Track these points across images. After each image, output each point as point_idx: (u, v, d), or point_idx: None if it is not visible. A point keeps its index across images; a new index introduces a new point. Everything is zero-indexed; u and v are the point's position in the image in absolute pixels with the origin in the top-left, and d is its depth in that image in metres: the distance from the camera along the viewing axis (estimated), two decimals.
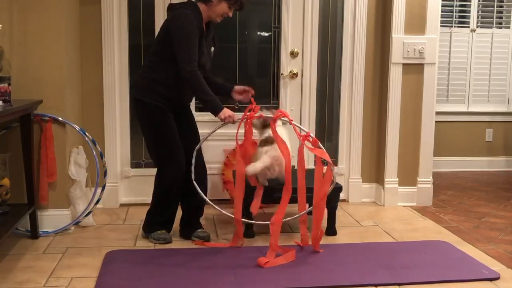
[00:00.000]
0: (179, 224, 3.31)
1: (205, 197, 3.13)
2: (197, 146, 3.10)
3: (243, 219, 3.07)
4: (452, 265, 2.87)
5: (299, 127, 3.02)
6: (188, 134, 3.20)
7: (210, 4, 3.02)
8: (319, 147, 2.97)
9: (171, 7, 3.11)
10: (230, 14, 3.09)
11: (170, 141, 3.07)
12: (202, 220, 3.33)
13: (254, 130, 3.11)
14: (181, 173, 3.11)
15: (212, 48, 3.20)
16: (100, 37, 3.77)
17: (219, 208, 3.11)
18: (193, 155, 3.07)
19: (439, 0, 3.98)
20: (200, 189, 3.10)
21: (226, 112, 2.97)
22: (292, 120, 3.01)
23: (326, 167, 2.97)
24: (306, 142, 2.98)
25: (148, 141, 3.19)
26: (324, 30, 4.09)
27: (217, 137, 3.76)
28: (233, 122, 2.98)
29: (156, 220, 3.20)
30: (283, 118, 3.04)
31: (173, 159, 3.07)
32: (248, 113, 2.99)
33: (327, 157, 2.95)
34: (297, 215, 3.03)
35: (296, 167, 4.13)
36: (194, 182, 3.07)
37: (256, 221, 3.15)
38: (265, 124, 3.13)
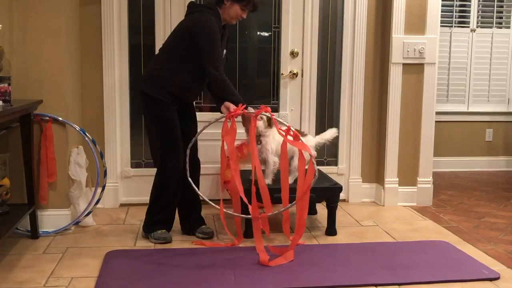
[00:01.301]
0: (179, 222, 3.33)
1: (194, 186, 3.15)
2: (189, 145, 3.12)
3: (226, 211, 3.10)
4: (452, 265, 2.87)
5: (280, 122, 3.02)
6: (189, 131, 3.23)
7: (223, 7, 3.07)
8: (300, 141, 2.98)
9: (193, 7, 3.15)
10: (244, 16, 3.13)
11: (172, 136, 3.11)
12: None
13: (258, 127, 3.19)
14: (180, 168, 3.14)
15: (224, 51, 3.22)
16: (100, 37, 3.77)
17: (208, 200, 3.14)
18: (187, 153, 3.11)
19: (439, 0, 3.98)
20: (196, 185, 3.17)
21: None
22: (273, 115, 3.03)
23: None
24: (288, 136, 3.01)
25: (151, 135, 3.21)
26: (324, 30, 4.09)
27: (217, 137, 3.76)
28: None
29: (156, 219, 3.20)
30: (264, 113, 3.04)
31: (174, 153, 3.12)
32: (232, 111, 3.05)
33: (308, 149, 2.95)
34: (281, 210, 3.02)
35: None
36: (190, 179, 3.10)
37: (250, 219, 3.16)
38: (270, 122, 3.21)
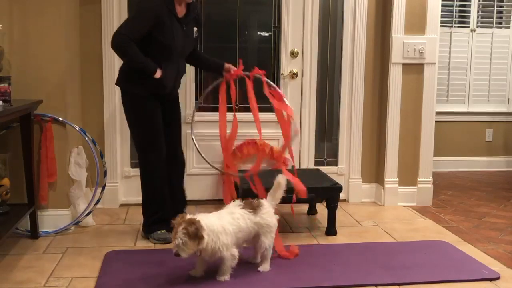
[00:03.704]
0: None
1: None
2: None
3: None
4: (452, 265, 2.87)
5: (270, 84, 3.22)
6: (170, 127, 3.26)
7: None
8: (284, 102, 3.18)
9: None
10: None
11: (153, 129, 3.13)
12: None
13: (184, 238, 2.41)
14: (162, 161, 3.18)
15: (195, 29, 3.21)
16: (100, 37, 3.77)
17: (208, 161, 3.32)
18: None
19: (439, 0, 3.98)
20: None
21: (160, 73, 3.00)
22: (264, 77, 3.21)
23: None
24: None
25: (132, 130, 3.23)
26: (324, 30, 4.09)
27: (217, 137, 3.77)
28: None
29: (153, 219, 3.21)
30: (257, 75, 3.19)
31: (155, 147, 3.14)
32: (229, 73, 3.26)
33: (290, 112, 3.10)
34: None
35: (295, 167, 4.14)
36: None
37: None
38: (197, 234, 2.40)
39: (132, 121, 3.17)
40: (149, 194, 3.20)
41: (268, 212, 2.69)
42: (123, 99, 3.17)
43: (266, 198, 2.81)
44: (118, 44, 2.93)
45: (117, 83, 3.19)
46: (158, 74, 2.99)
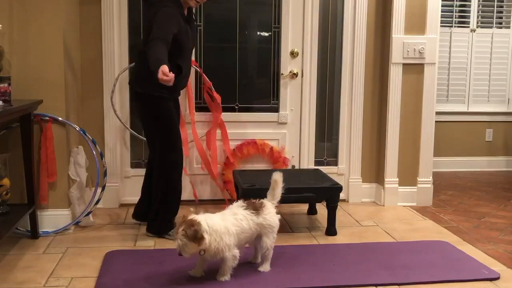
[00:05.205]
0: (135, 208, 3.47)
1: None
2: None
3: None
4: (452, 265, 2.87)
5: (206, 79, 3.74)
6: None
7: None
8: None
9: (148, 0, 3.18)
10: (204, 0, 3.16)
11: (176, 129, 3.17)
12: None
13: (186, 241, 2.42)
14: (182, 161, 3.23)
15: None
16: (100, 37, 3.77)
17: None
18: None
19: (439, 0, 3.98)
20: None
21: (163, 70, 2.73)
22: (202, 70, 3.67)
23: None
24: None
25: (152, 133, 3.21)
26: (324, 30, 4.09)
27: (218, 137, 3.77)
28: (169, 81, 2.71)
29: (168, 217, 3.23)
30: (193, 66, 3.54)
31: (179, 146, 3.19)
32: None
33: (219, 105, 3.77)
34: None
35: (295, 167, 4.15)
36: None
37: None
38: (196, 235, 2.41)
39: (157, 124, 3.15)
40: (173, 192, 3.23)
41: (270, 212, 2.69)
42: (142, 102, 3.15)
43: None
44: (152, 47, 2.84)
45: (138, 88, 3.14)
46: (160, 74, 2.79)
